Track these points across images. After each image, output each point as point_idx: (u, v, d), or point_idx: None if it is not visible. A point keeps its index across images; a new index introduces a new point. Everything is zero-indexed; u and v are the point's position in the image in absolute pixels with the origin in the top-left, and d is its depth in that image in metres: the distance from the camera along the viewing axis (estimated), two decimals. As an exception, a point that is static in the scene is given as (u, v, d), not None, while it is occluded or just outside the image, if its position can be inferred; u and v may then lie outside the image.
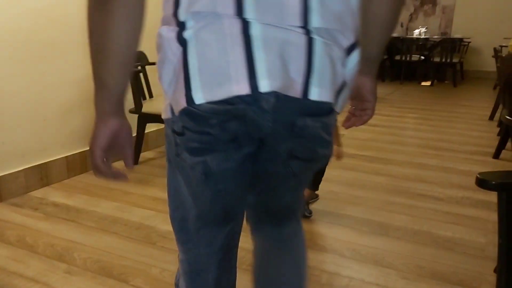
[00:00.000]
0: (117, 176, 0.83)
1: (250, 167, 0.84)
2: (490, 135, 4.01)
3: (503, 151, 3.32)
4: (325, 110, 0.77)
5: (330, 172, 2.97)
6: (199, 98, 0.71)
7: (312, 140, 0.81)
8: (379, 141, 3.79)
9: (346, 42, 0.76)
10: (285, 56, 0.70)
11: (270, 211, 1.02)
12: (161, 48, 0.75)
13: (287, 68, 0.70)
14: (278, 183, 0.92)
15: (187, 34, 0.70)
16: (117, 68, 0.75)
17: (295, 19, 0.69)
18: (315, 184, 2.28)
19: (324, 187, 2.70)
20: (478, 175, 0.83)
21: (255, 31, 0.69)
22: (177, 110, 0.75)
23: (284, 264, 1.05)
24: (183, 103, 0.72)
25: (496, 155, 3.33)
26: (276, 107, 0.72)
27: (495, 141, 3.50)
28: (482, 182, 0.83)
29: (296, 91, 0.71)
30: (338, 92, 0.78)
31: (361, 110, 0.99)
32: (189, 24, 0.70)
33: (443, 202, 2.49)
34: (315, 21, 0.70)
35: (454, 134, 4.08)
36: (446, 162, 3.22)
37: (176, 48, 0.72)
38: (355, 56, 0.79)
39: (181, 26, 0.71)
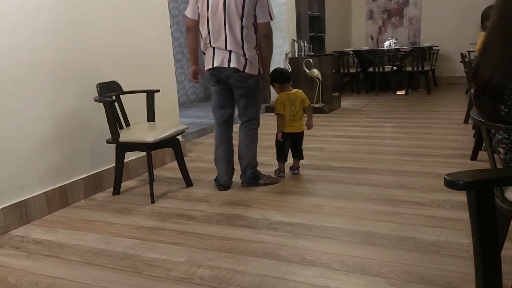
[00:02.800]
0: (198, 81, 3.15)
1: (228, 91, 2.95)
2: (466, 137, 4.11)
3: (480, 152, 3.40)
4: (236, 69, 2.81)
5: (313, 185, 3.00)
6: (206, 68, 2.91)
7: (235, 79, 2.85)
8: (359, 152, 3.84)
9: (243, 52, 2.80)
10: (223, 56, 2.82)
11: (240, 115, 3.00)
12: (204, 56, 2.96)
13: (223, 59, 2.81)
14: (238, 99, 2.96)
15: (205, 51, 2.92)
16: (192, 52, 3.01)
17: (224, 47, 2.80)
18: (300, 154, 3.34)
19: (308, 201, 2.72)
20: (445, 177, 0.86)
21: (215, 50, 2.84)
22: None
23: (242, 138, 3.02)
24: (205, 69, 2.95)
25: (474, 157, 3.40)
26: (223, 70, 2.84)
27: (471, 143, 3.59)
28: (450, 183, 0.85)
29: (227, 65, 2.81)
30: (244, 66, 2.81)
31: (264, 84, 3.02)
32: (205, 50, 2.91)
33: (426, 206, 2.53)
34: (229, 47, 2.79)
35: (431, 140, 4.16)
36: (426, 167, 3.27)
37: (203, 56, 2.95)
38: (248, 55, 2.81)
39: (203, 52, 2.93)
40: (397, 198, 2.67)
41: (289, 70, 6.16)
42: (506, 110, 1.27)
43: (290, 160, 3.31)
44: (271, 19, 2.82)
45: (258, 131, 3.10)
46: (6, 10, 2.43)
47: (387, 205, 2.57)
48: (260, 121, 3.16)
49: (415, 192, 2.76)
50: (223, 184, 3.01)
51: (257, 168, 3.08)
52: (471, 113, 1.45)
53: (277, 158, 3.27)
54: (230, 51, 2.79)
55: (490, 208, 0.87)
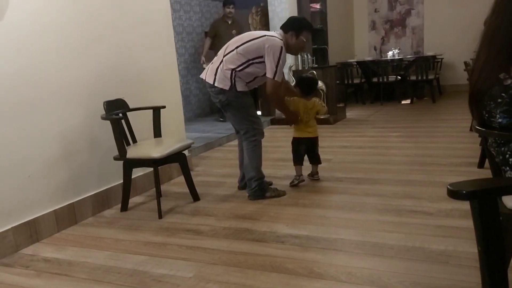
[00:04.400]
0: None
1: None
2: (472, 145, 4.09)
3: (487, 159, 3.38)
4: (209, 84, 2.97)
5: (320, 197, 3.00)
6: None
7: (211, 95, 3.05)
8: (365, 163, 3.84)
9: (217, 66, 2.95)
10: (207, 68, 3.07)
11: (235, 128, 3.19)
12: None
13: (206, 72, 3.04)
14: (226, 114, 3.16)
15: None
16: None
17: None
18: (317, 159, 3.38)
19: (314, 213, 2.72)
20: (448, 187, 0.86)
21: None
22: None
23: (244, 151, 3.06)
24: None
25: (481, 165, 3.38)
26: (205, 82, 3.03)
27: (478, 151, 3.57)
28: (453, 193, 0.86)
29: (204, 76, 3.03)
30: (214, 79, 2.93)
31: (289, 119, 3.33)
32: None
33: (433, 216, 2.52)
34: (213, 61, 3.07)
35: (438, 148, 4.15)
36: (433, 177, 3.26)
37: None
38: (220, 68, 2.93)
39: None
40: (405, 208, 2.66)
41: (293, 82, 6.18)
42: (487, 115, 1.30)
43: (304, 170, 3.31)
44: (273, 78, 2.85)
45: (264, 143, 3.12)
46: (12, 32, 2.48)
47: (394, 216, 2.57)
48: (266, 134, 3.18)
49: (422, 202, 2.74)
50: (240, 186, 3.29)
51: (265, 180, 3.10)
52: (473, 125, 1.46)
53: (294, 162, 3.30)
54: (212, 64, 3.01)
55: (494, 217, 0.87)
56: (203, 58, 6.22)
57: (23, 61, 2.54)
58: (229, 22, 6.20)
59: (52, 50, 2.72)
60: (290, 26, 3.01)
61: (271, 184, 3.26)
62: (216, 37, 6.17)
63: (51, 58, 2.71)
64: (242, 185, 3.25)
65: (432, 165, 3.58)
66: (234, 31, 5.92)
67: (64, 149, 2.81)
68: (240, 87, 2.94)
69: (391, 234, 2.31)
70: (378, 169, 3.58)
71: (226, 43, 3.10)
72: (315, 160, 3.37)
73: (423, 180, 3.20)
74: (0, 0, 2.43)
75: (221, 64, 2.94)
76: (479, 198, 0.87)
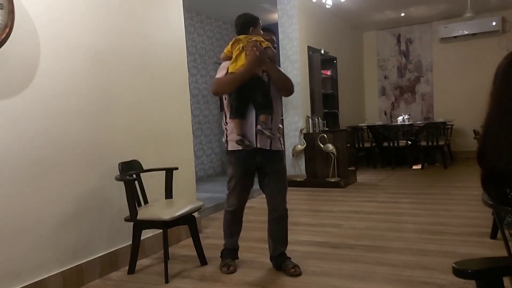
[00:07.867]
0: None
1: None
2: (485, 214, 4.01)
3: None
4: None
5: (329, 265, 2.95)
6: None
7: None
8: (376, 229, 3.79)
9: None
10: None
11: None
12: None
13: None
14: None
15: None
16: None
17: None
18: None
19: (324, 282, 2.66)
20: (453, 265, 0.87)
21: None
22: None
23: None
24: None
25: (493, 235, 3.32)
26: None
27: (490, 221, 3.51)
28: (459, 272, 0.86)
29: None
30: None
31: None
32: None
33: (447, 288, 2.45)
34: None
35: (450, 217, 4.10)
36: (445, 246, 3.20)
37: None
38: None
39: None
40: (417, 279, 2.60)
41: (304, 145, 6.28)
42: (511, 194, 1.29)
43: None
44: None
45: (249, 217, 3.04)
46: (36, 96, 2.62)
47: (406, 287, 2.50)
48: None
49: (435, 273, 2.68)
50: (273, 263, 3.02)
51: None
52: (482, 195, 1.46)
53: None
54: None
55: (501, 297, 0.87)
56: None
57: (45, 123, 2.66)
58: None
59: (72, 113, 2.84)
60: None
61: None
62: None
63: (71, 121, 2.83)
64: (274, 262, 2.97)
65: (444, 234, 3.52)
66: None
67: (77, 209, 2.85)
68: (231, 145, 2.86)
69: (403, 307, 2.25)
70: (389, 237, 3.53)
71: None
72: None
73: (435, 249, 3.14)
74: (29, 68, 2.59)
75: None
76: (486, 277, 0.87)
